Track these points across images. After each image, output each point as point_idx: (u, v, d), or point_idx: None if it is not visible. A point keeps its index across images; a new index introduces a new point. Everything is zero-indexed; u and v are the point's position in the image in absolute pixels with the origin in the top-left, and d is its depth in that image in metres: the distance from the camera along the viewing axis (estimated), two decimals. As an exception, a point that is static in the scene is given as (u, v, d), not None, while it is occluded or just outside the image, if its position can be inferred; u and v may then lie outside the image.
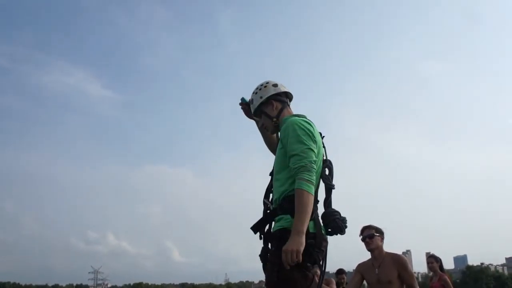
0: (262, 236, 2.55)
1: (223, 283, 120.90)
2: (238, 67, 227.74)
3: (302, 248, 2.24)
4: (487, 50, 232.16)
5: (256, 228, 2.54)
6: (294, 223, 2.31)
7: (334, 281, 6.76)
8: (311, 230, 2.41)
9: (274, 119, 2.74)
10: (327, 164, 2.65)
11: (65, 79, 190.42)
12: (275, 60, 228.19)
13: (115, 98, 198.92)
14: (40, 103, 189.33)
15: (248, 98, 2.94)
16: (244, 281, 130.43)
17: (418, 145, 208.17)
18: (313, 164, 2.38)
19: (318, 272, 2.67)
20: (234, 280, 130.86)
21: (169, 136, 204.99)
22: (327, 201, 2.60)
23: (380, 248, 4.08)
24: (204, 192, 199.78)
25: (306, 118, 2.66)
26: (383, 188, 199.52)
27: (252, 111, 2.85)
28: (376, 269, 4.03)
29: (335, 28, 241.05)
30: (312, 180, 2.35)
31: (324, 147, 2.67)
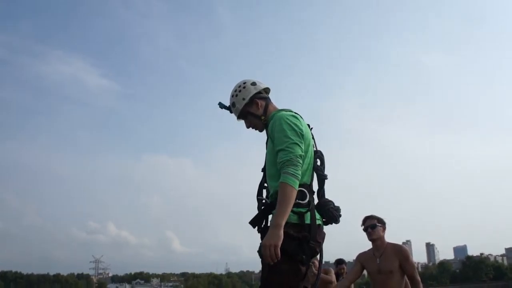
0: (259, 230, 2.55)
1: (223, 272, 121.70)
2: (237, 58, 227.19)
3: (279, 242, 2.24)
4: (489, 42, 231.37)
5: (254, 222, 2.54)
6: (273, 216, 2.32)
7: (332, 271, 6.75)
8: (306, 222, 2.43)
9: (262, 117, 2.72)
10: (318, 154, 2.68)
11: (63, 69, 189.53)
12: (274, 50, 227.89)
13: (114, 89, 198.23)
14: (39, 93, 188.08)
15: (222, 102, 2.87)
16: (245, 270, 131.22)
17: (419, 137, 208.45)
18: (298, 158, 2.38)
19: (316, 263, 2.66)
20: (234, 269, 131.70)
21: (168, 126, 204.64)
22: (321, 192, 2.63)
23: (381, 238, 4.09)
24: (204, 182, 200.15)
25: (292, 112, 2.65)
26: (383, 179, 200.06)
27: (236, 114, 2.79)
28: (377, 259, 4.04)
29: (336, 20, 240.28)
30: (297, 174, 2.35)
31: (313, 138, 2.68)
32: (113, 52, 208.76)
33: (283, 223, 2.28)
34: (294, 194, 2.34)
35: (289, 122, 2.51)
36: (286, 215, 2.30)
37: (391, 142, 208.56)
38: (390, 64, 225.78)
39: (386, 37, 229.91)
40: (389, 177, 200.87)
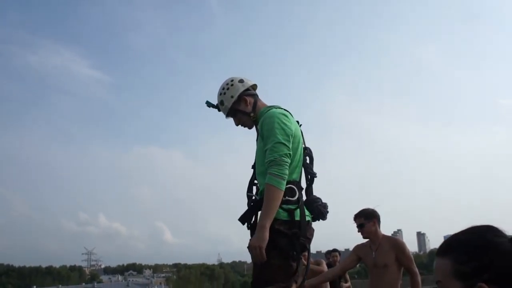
0: (249, 226, 2.57)
1: (216, 263, 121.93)
2: (227, 48, 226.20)
3: (264, 244, 2.28)
4: (480, 33, 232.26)
5: (243, 219, 2.56)
6: (259, 218, 2.36)
7: (324, 262, 6.74)
8: (296, 218, 2.46)
9: (252, 114, 2.71)
10: (307, 152, 2.69)
11: (51, 59, 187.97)
12: (265, 40, 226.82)
13: (103, 79, 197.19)
14: (27, 84, 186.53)
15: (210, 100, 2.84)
16: (237, 261, 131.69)
17: (409, 127, 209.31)
18: (284, 158, 2.39)
19: (306, 255, 2.68)
20: (226, 260, 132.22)
21: (159, 117, 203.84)
22: (309, 189, 2.66)
23: (374, 233, 4.03)
24: (194, 173, 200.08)
25: (282, 109, 2.65)
26: (374, 169, 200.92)
27: (225, 112, 2.78)
28: (373, 253, 4.01)
29: (328, 10, 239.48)
30: (282, 174, 2.36)
31: (302, 135, 2.68)
32: (103, 43, 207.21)
33: (268, 224, 2.32)
34: (279, 195, 2.36)
35: (278, 121, 2.50)
36: (271, 216, 2.33)
37: (381, 133, 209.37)
38: (382, 55, 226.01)
39: (379, 28, 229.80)
40: (380, 167, 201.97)
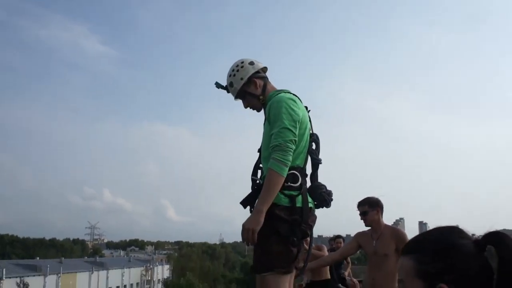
0: (251, 210, 2.56)
1: (217, 242, 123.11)
2: (239, 28, 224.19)
3: (258, 227, 2.29)
4: (491, 22, 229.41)
5: (245, 202, 2.56)
6: (257, 201, 2.36)
7: (325, 247, 6.77)
8: (298, 205, 2.45)
9: (261, 97, 2.70)
10: (314, 138, 2.67)
11: (61, 33, 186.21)
12: (275, 21, 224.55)
13: (113, 55, 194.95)
14: (37, 57, 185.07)
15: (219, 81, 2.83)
16: (238, 241, 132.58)
17: (417, 115, 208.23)
18: (288, 144, 2.38)
19: (308, 239, 2.69)
20: (228, 240, 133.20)
21: (167, 94, 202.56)
22: (314, 175, 2.65)
23: (376, 222, 4.05)
24: (201, 152, 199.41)
25: (290, 94, 2.63)
26: (380, 156, 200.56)
27: (234, 94, 2.77)
28: (374, 241, 4.04)
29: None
30: (285, 160, 2.35)
31: (310, 121, 2.67)
32: (113, 18, 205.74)
33: (265, 209, 2.32)
34: (280, 181, 2.36)
35: (285, 105, 2.49)
36: (269, 201, 2.33)
37: (387, 120, 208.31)
38: (393, 42, 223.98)
39: (389, 14, 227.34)
40: (386, 155, 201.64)
